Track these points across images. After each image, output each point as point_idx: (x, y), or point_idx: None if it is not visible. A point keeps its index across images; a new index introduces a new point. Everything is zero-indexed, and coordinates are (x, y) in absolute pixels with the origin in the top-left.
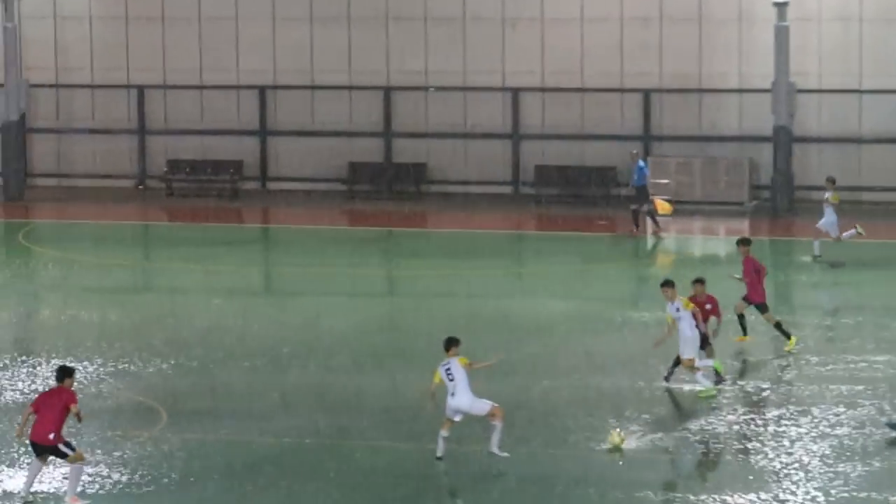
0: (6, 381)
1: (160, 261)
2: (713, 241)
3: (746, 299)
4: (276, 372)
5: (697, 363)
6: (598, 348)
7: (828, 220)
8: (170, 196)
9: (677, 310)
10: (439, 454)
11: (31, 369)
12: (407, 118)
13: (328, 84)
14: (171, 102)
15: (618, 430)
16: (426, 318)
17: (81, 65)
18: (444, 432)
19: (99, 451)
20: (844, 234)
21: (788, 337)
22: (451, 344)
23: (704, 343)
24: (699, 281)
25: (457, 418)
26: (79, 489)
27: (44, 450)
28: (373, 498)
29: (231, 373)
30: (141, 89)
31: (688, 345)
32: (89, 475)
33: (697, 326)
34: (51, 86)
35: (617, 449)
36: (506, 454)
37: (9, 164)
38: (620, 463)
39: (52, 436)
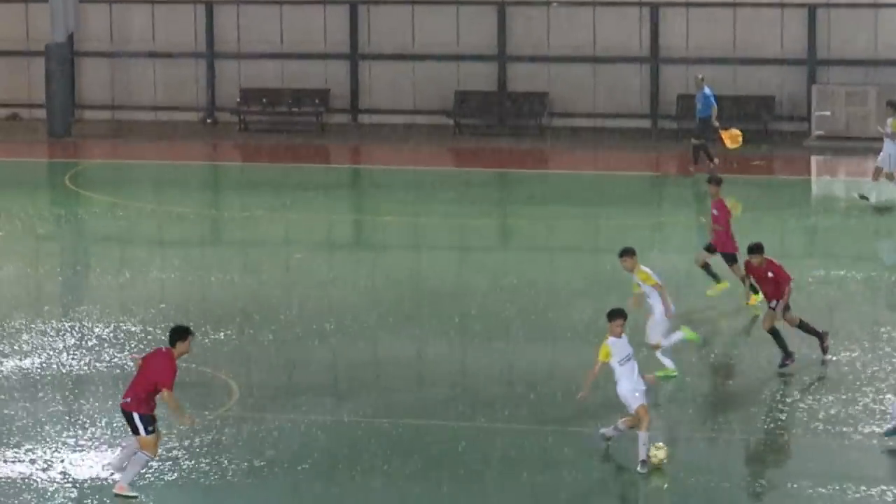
0: (50, 350)
1: (231, 208)
2: (892, 186)
3: (711, 248)
4: (367, 340)
5: (663, 342)
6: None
7: (887, 152)
8: (243, 132)
9: (638, 285)
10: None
11: (77, 335)
12: (525, 39)
13: None
14: (245, 21)
15: (660, 444)
16: (546, 277)
17: None
18: (620, 423)
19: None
20: None
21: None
22: (609, 317)
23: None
24: (755, 249)
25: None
26: (136, 479)
27: (126, 417)
28: (500, 485)
29: (314, 341)
30: (209, 5)
31: (655, 328)
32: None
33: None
34: (104, 1)
35: (657, 468)
36: (645, 471)
37: (54, 93)
38: (780, 455)
39: (129, 399)
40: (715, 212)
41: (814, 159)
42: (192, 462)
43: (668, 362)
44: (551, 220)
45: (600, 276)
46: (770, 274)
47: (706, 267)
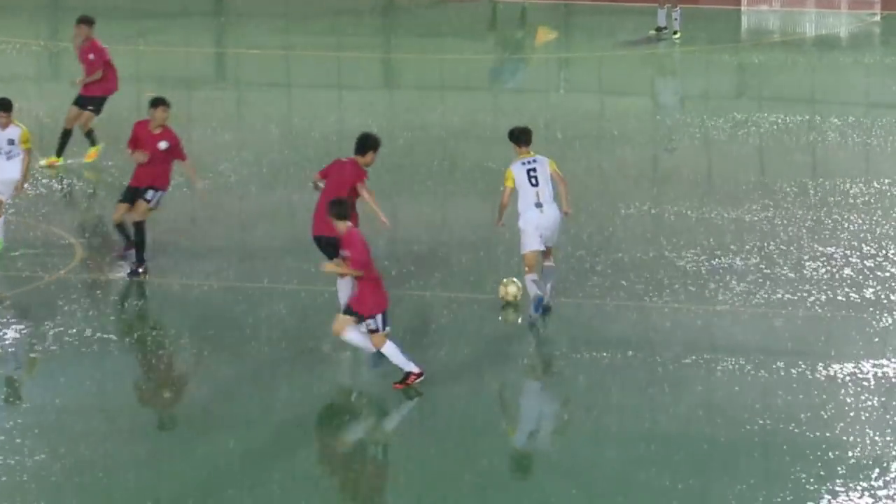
0: None
1: (69, 39)
2: (830, 18)
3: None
4: (230, 196)
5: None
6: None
7: None
8: None
9: (10, 142)
10: (535, 308)
11: None
12: None
13: None
14: None
15: (512, 280)
16: (439, 117)
17: None
18: (533, 275)
19: None
20: None
21: (93, 144)
22: (527, 136)
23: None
24: (159, 103)
25: (539, 246)
26: None
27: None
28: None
29: (172, 198)
30: None
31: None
32: None
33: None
34: None
35: (509, 304)
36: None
37: None
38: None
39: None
40: (91, 56)
41: None
42: (28, 328)
43: None
44: (446, 55)
45: (499, 119)
46: (163, 144)
47: (67, 134)
